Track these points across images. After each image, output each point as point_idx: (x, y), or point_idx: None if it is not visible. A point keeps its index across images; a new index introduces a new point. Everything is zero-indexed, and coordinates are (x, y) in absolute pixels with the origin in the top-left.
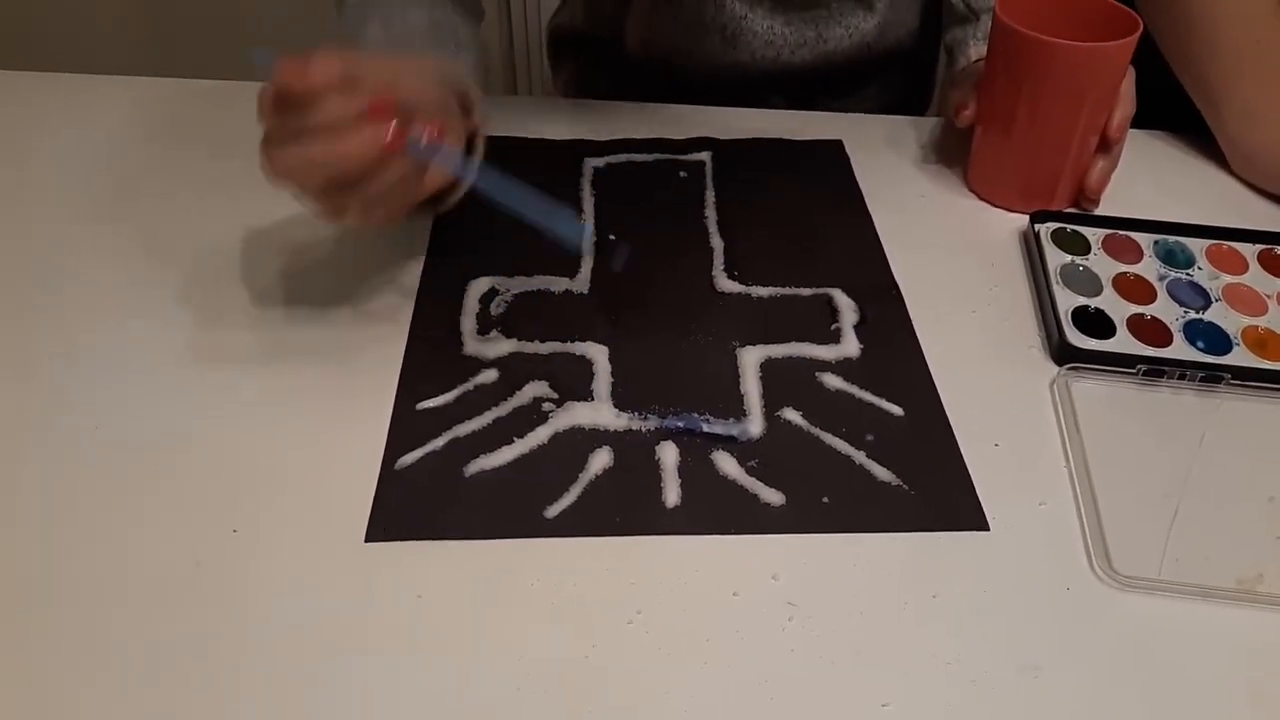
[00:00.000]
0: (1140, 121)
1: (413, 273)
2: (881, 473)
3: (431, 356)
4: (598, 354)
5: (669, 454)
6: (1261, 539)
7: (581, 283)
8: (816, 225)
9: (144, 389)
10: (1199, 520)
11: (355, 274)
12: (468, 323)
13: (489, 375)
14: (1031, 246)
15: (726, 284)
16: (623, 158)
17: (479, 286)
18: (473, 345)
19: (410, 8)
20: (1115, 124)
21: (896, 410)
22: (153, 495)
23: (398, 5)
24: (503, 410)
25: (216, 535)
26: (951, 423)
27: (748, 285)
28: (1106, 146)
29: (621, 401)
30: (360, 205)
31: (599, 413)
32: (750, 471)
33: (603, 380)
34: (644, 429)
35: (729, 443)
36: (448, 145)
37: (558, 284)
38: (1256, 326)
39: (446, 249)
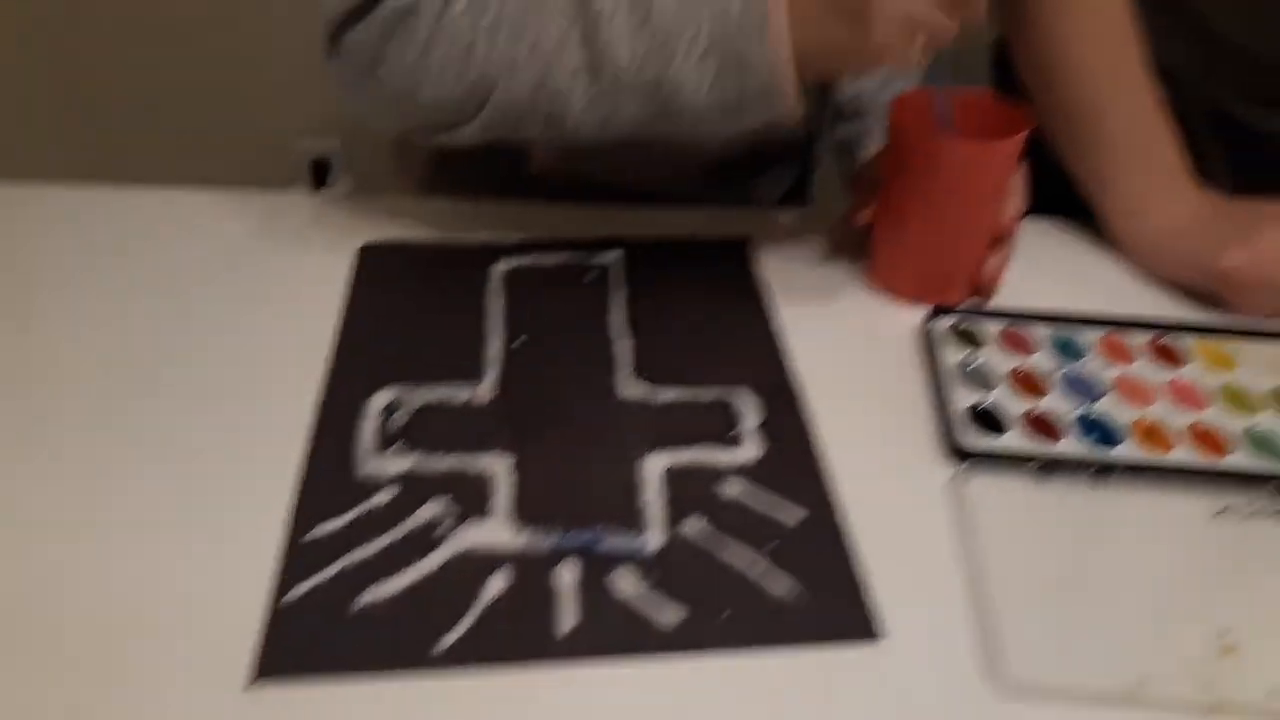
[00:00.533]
0: (1036, 209)
1: (312, 386)
2: (781, 583)
3: (326, 478)
4: (499, 467)
5: (567, 575)
6: (1152, 638)
7: (486, 391)
8: (721, 324)
9: (8, 523)
10: (1092, 620)
11: (250, 389)
12: (366, 439)
13: (385, 495)
14: (927, 343)
15: (630, 389)
16: (531, 259)
17: (381, 399)
18: (370, 464)
19: None
20: (1008, 219)
21: (796, 515)
22: (15, 642)
23: None
24: (397, 534)
25: (90, 682)
26: (849, 528)
27: (652, 389)
28: (1001, 240)
29: (522, 517)
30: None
31: (497, 532)
32: (649, 589)
33: (503, 495)
34: (542, 548)
35: (628, 559)
36: None
37: (461, 393)
38: (1145, 419)
39: (350, 359)
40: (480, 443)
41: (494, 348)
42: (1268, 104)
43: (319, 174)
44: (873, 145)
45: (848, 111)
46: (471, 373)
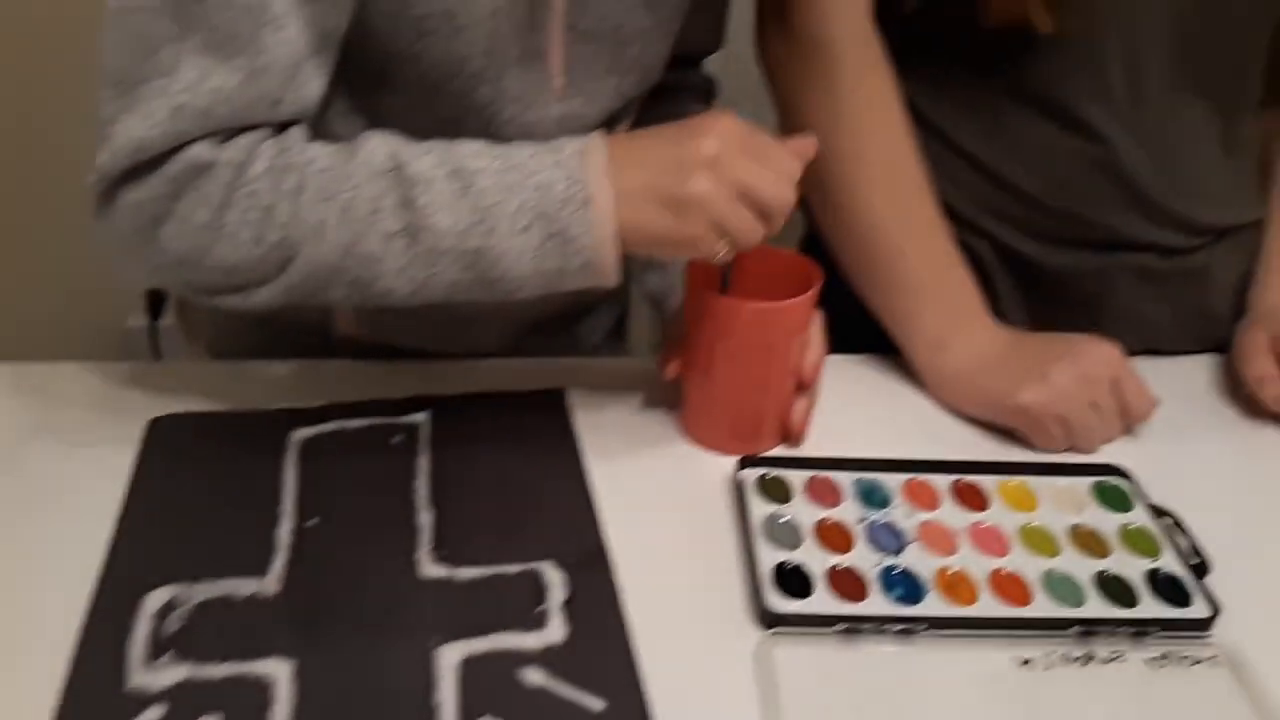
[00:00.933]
0: (849, 344)
1: (86, 585)
2: None
3: (89, 699)
4: (281, 672)
5: None
6: None
7: (271, 582)
8: (531, 488)
9: None
10: None
11: (16, 594)
12: (136, 648)
13: (153, 713)
14: (738, 497)
15: (431, 569)
16: (333, 426)
17: (156, 599)
18: (139, 676)
19: (462, 145)
20: (809, 368)
21: (598, 704)
22: None
23: (458, 151)
24: None
25: None
26: (654, 713)
27: (453, 567)
28: (804, 387)
29: None
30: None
31: None
32: None
33: (282, 706)
34: None
35: None
36: None
37: (245, 586)
38: (948, 569)
39: (127, 552)
40: (261, 646)
41: (285, 531)
42: (1052, 242)
43: (154, 305)
44: (678, 297)
45: (655, 261)
46: (258, 562)
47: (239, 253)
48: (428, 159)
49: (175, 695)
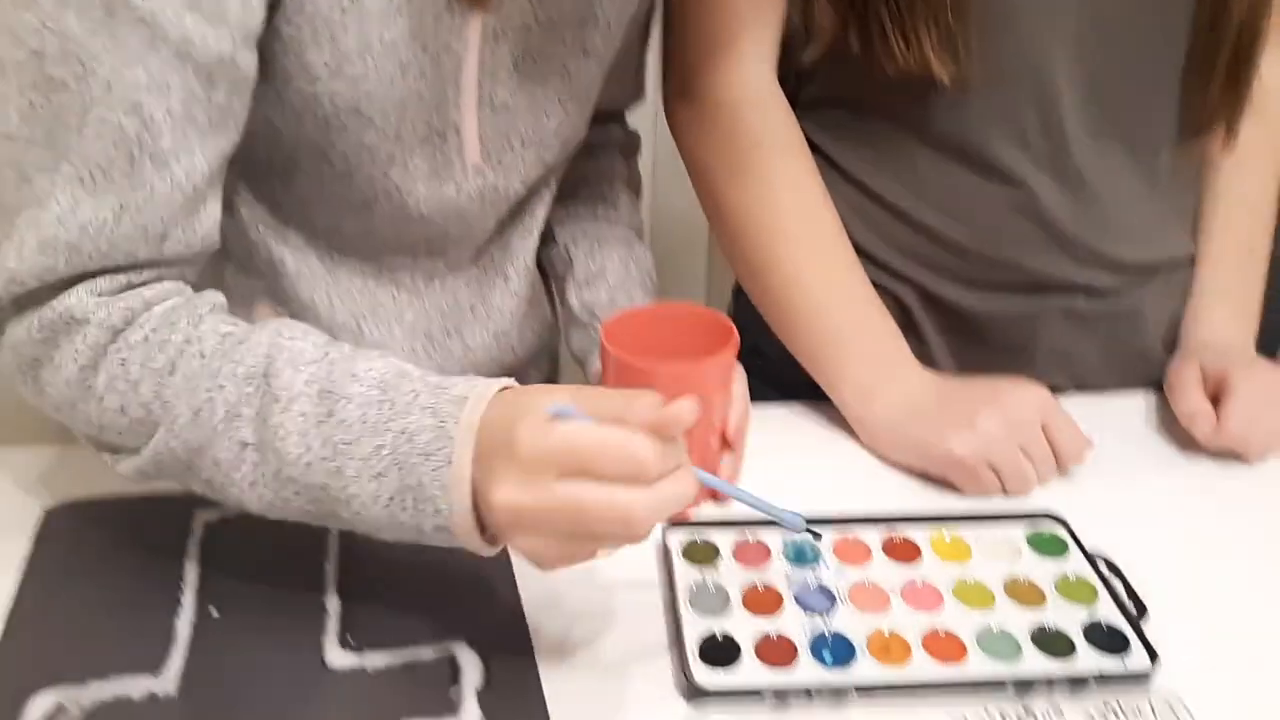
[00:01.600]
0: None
1: None
2: None
3: None
4: None
5: None
6: None
7: (169, 680)
8: (446, 563)
9: None
10: None
11: None
12: None
13: None
14: (663, 564)
15: (338, 657)
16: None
17: (41, 704)
18: None
19: (358, 360)
20: (732, 428)
21: None
22: None
23: (345, 367)
24: None
25: None
26: None
27: (362, 654)
28: (729, 446)
29: None
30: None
31: None
32: None
33: None
34: None
35: None
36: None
37: (139, 685)
38: (881, 630)
39: (13, 651)
40: None
41: (184, 623)
42: (976, 287)
43: None
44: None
45: (580, 320)
46: (154, 659)
47: (105, 416)
48: (304, 372)
49: None
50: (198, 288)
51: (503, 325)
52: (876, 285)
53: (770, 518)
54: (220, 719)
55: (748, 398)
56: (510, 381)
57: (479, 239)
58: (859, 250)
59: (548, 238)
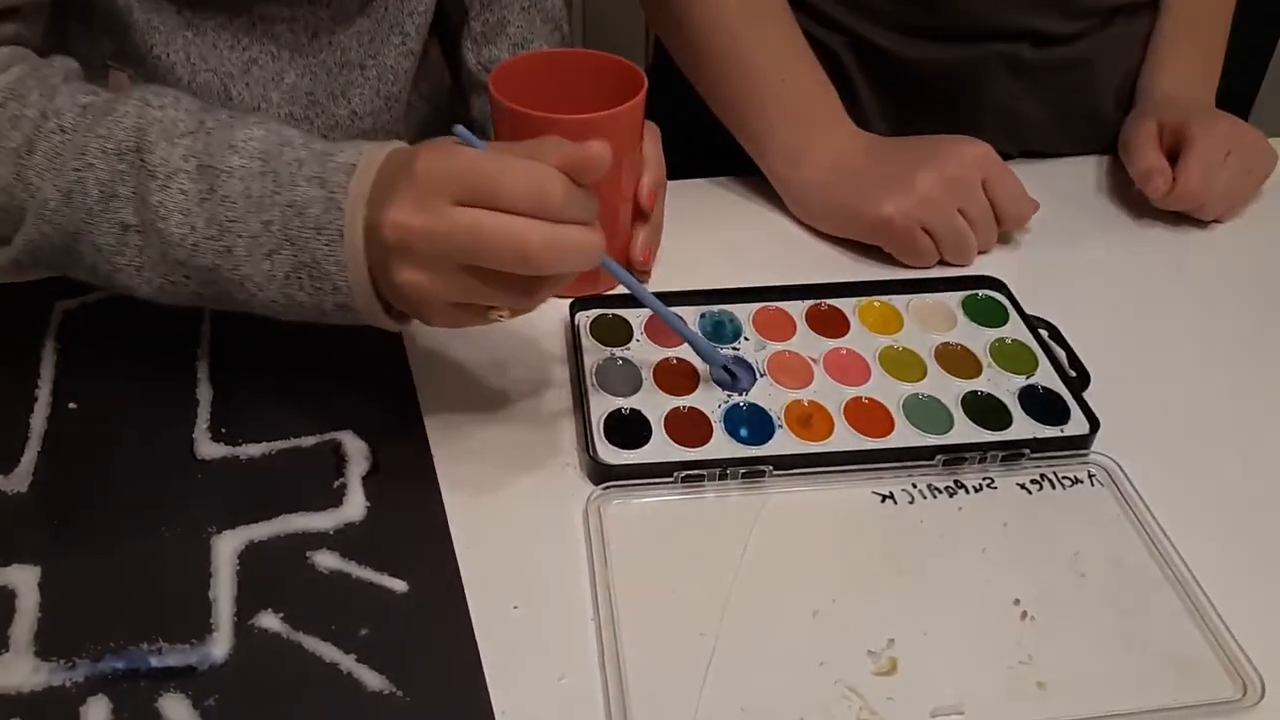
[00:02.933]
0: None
1: None
2: (373, 680)
3: None
4: (24, 581)
5: (97, 713)
6: (805, 668)
7: (20, 478)
8: (332, 352)
9: None
10: (738, 659)
11: None
12: None
13: None
14: (570, 342)
15: (209, 448)
16: (101, 294)
17: None
18: None
19: (236, 128)
20: (645, 191)
21: (400, 586)
22: None
23: (222, 136)
24: None
25: None
26: (466, 589)
27: (236, 445)
28: (643, 216)
29: (47, 646)
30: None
31: (11, 670)
32: (206, 714)
33: (25, 620)
34: (69, 682)
35: (185, 676)
36: None
37: None
38: (801, 401)
39: None
40: (5, 551)
41: (39, 418)
42: (913, 34)
43: None
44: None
45: (480, 81)
46: (5, 456)
47: None
48: (179, 145)
49: None
50: (42, 53)
51: (394, 88)
52: (808, 36)
53: (686, 340)
54: (74, 516)
55: (662, 159)
56: (400, 144)
57: None
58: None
59: None
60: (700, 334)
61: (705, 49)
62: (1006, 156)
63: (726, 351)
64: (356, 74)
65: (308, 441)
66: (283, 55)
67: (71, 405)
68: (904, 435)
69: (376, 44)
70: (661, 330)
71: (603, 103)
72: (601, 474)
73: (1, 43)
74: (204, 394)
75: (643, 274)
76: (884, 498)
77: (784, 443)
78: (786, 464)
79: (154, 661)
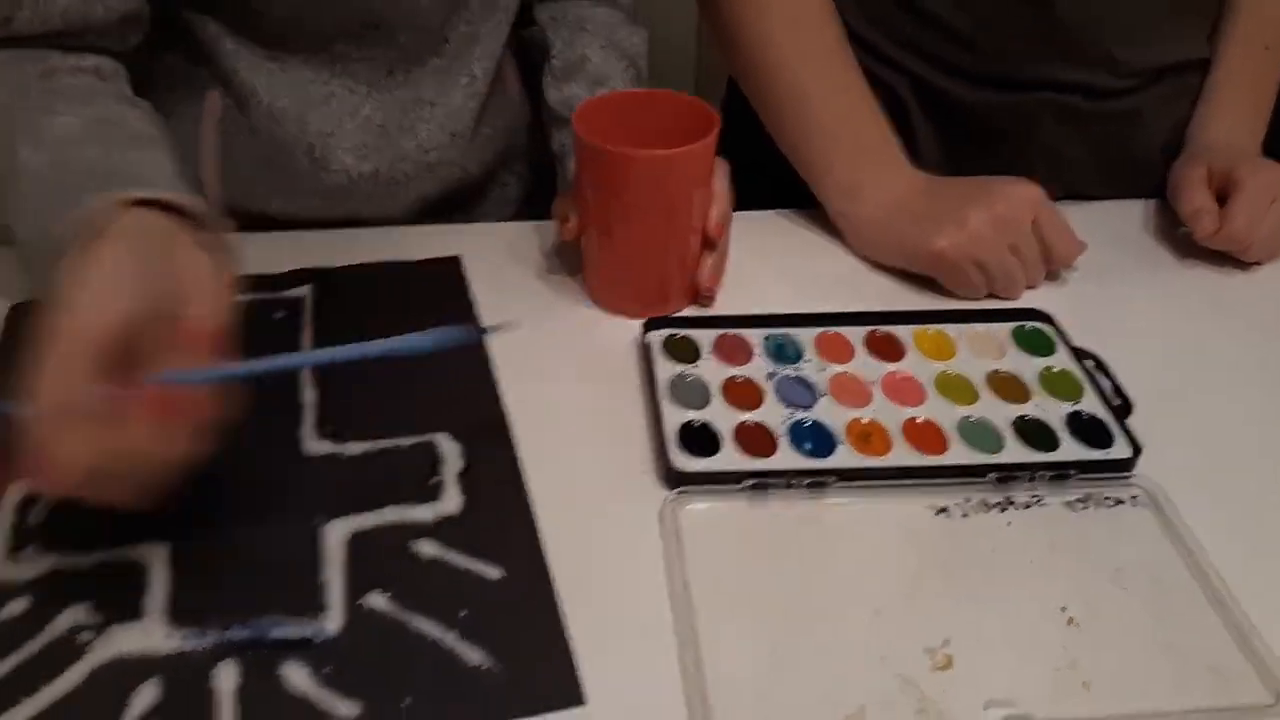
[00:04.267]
0: (764, 200)
1: None
2: (473, 655)
3: None
4: (154, 557)
5: (227, 677)
6: (873, 661)
7: None
8: (425, 360)
9: None
10: (810, 649)
11: None
12: None
13: (17, 606)
14: (643, 359)
15: (315, 445)
16: None
17: (17, 489)
18: (2, 569)
19: (56, 113)
20: (713, 223)
21: (495, 573)
22: None
23: (40, 113)
24: (31, 649)
25: None
26: (554, 578)
27: (340, 443)
28: (711, 244)
29: (178, 616)
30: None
31: (149, 635)
32: (325, 681)
33: (157, 591)
34: (200, 648)
35: (302, 647)
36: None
37: None
38: (860, 419)
39: None
40: (132, 532)
41: None
42: (973, 80)
43: None
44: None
45: (560, 116)
46: None
47: None
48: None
49: (41, 586)
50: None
51: (460, 125)
52: (870, 75)
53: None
54: (193, 502)
55: (729, 193)
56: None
57: (428, 21)
58: (855, 40)
59: (529, 19)
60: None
61: (767, 86)
62: (1055, 198)
63: (788, 373)
64: (426, 110)
65: (406, 442)
66: (359, 90)
67: None
68: (958, 454)
69: (446, 84)
70: (728, 349)
71: (678, 140)
72: (676, 479)
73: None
74: (308, 396)
75: (707, 299)
76: (939, 511)
77: (846, 457)
78: (849, 476)
79: (274, 633)
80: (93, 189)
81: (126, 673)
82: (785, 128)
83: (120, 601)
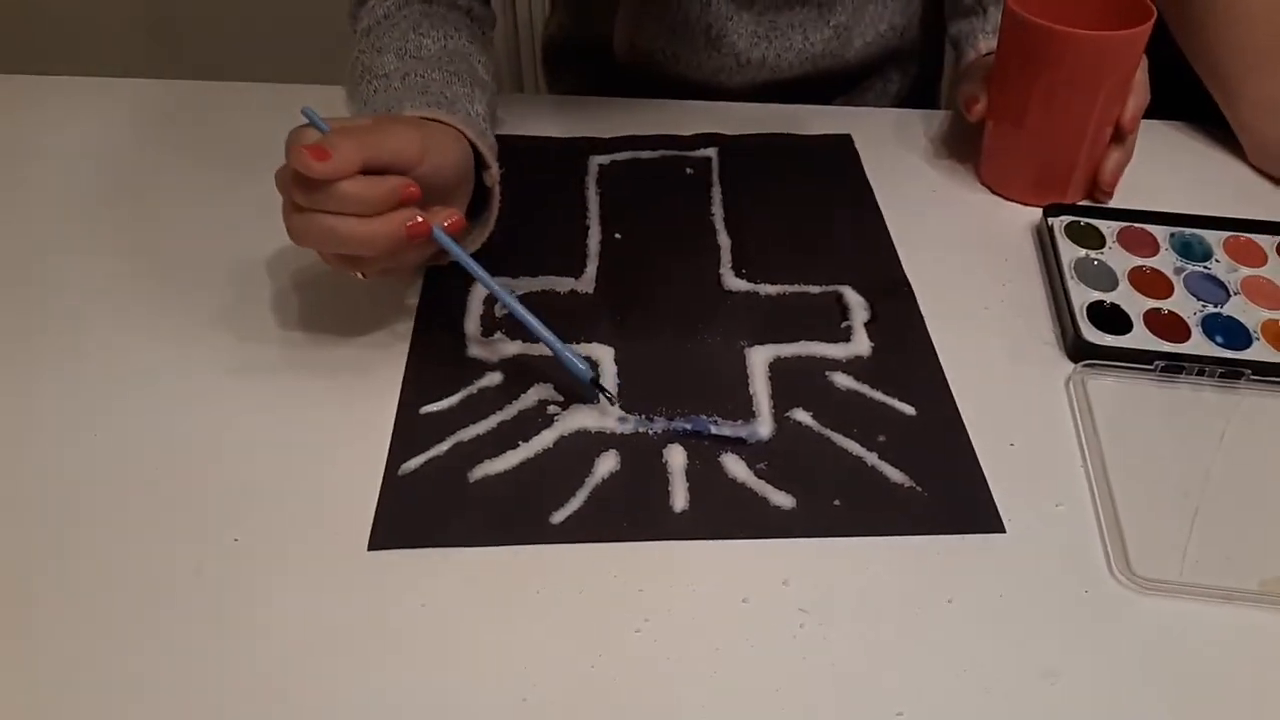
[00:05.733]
0: (1156, 111)
1: (416, 277)
2: (894, 474)
3: (434, 361)
4: (604, 355)
5: (677, 457)
6: (1275, 538)
7: (587, 282)
8: (825, 221)
9: (143, 396)
10: (1219, 520)
11: (357, 280)
12: (471, 325)
13: (493, 378)
14: (1045, 241)
15: (734, 282)
16: (628, 155)
17: (483, 288)
18: (476, 348)
19: (424, 33)
20: (1129, 114)
21: (909, 410)
22: (152, 502)
23: (411, 31)
24: (507, 414)
25: (218, 543)
26: (965, 422)
27: (756, 283)
28: (1120, 137)
29: (629, 405)
30: (374, 271)
31: (605, 416)
32: (760, 474)
33: (609, 382)
34: (651, 431)
35: (737, 445)
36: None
37: (563, 284)
38: (1277, 320)
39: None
40: (585, 332)
41: (594, 240)
42: None
43: None
44: (985, 40)
45: (964, 7)
46: (573, 265)
47: None
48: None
49: (511, 366)
50: None
51: (843, 18)
52: None
53: (541, 339)
54: (634, 317)
55: (1148, 87)
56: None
57: None
58: None
59: None
60: (568, 357)
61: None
62: None
63: (1197, 269)
64: (813, 7)
65: (814, 289)
66: None
67: (617, 235)
68: None
69: None
70: (1132, 240)
71: (1111, 26)
72: (1084, 352)
73: None
74: (723, 241)
75: (1105, 194)
76: None
77: (1261, 352)
78: (1265, 370)
79: (713, 429)
80: (421, 105)
81: (590, 442)
82: (1206, 38)
83: (578, 387)
